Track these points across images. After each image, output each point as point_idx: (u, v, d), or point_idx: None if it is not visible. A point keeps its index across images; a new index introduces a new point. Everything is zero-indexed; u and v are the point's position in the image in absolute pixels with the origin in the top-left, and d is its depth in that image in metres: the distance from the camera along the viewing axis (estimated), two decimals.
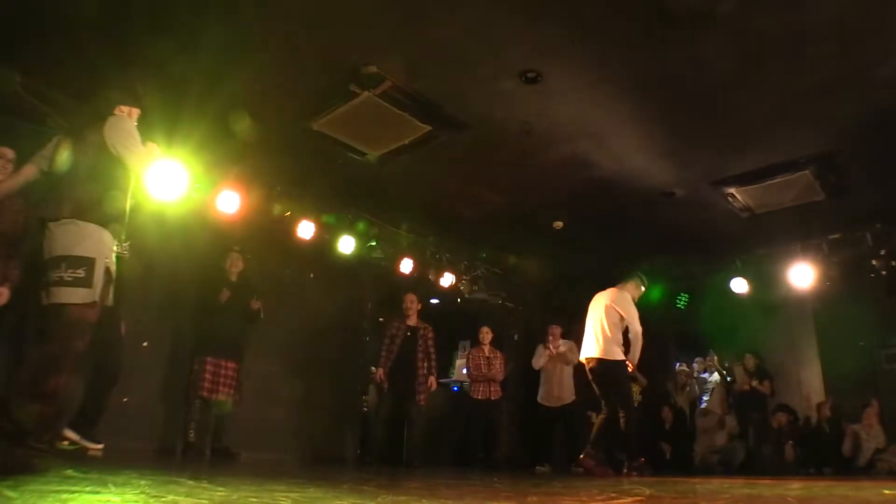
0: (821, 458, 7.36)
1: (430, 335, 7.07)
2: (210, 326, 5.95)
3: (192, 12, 4.32)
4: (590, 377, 6.01)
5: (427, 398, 6.89)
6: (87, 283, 3.11)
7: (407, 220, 7.75)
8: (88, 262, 3.15)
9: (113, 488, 1.98)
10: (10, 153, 4.37)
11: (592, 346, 5.93)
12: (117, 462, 3.10)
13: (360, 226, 7.43)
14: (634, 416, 5.83)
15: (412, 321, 7.04)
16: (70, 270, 3.10)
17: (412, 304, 7.07)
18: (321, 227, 7.04)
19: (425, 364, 6.90)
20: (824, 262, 7.39)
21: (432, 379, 6.94)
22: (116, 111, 3.49)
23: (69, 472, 2.32)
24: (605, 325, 5.87)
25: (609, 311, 5.92)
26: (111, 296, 3.32)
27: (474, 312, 9.16)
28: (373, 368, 7.32)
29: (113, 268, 3.28)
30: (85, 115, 3.97)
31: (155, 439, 5.93)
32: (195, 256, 6.30)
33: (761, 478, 5.64)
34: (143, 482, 2.36)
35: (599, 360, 5.84)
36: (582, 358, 6.09)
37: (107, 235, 3.28)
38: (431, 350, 7.00)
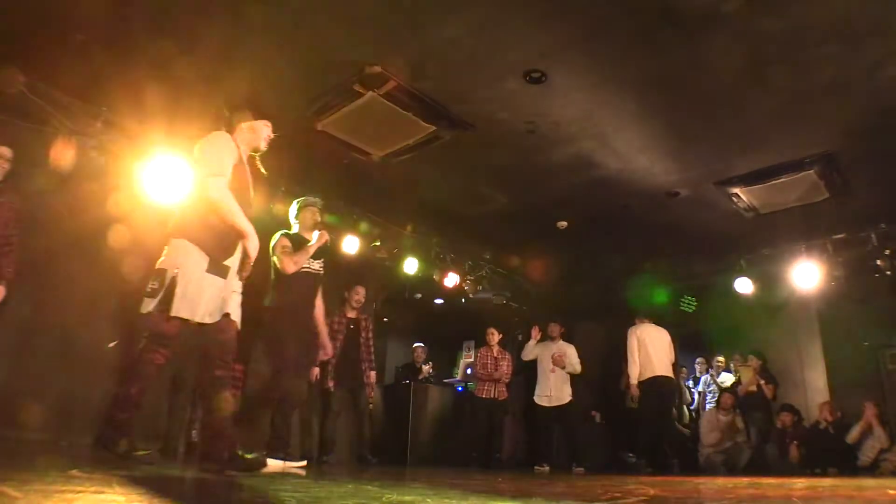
0: (825, 459, 7.33)
1: (369, 325, 6.86)
2: None
3: (194, 12, 4.33)
4: (656, 391, 7.05)
5: (374, 392, 6.74)
6: (154, 294, 3.11)
7: (411, 220, 7.75)
8: (161, 274, 3.15)
9: (117, 488, 1.98)
10: (8, 152, 4.38)
11: (668, 367, 7.23)
12: (121, 462, 3.11)
13: (364, 226, 7.43)
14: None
15: (352, 314, 6.81)
16: (151, 283, 3.15)
17: (357, 295, 6.81)
18: (325, 226, 7.02)
19: (367, 357, 6.70)
20: (829, 262, 7.38)
21: (372, 373, 6.75)
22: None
23: (73, 471, 2.32)
24: (670, 353, 7.29)
25: (671, 344, 7.35)
26: (173, 306, 3.09)
27: (479, 312, 9.14)
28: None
29: (178, 278, 3.10)
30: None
31: (158, 439, 5.93)
32: None
33: (766, 478, 5.62)
34: (146, 482, 2.37)
35: (672, 379, 7.29)
36: (654, 374, 7.09)
37: (189, 249, 3.18)
38: (370, 342, 6.79)
